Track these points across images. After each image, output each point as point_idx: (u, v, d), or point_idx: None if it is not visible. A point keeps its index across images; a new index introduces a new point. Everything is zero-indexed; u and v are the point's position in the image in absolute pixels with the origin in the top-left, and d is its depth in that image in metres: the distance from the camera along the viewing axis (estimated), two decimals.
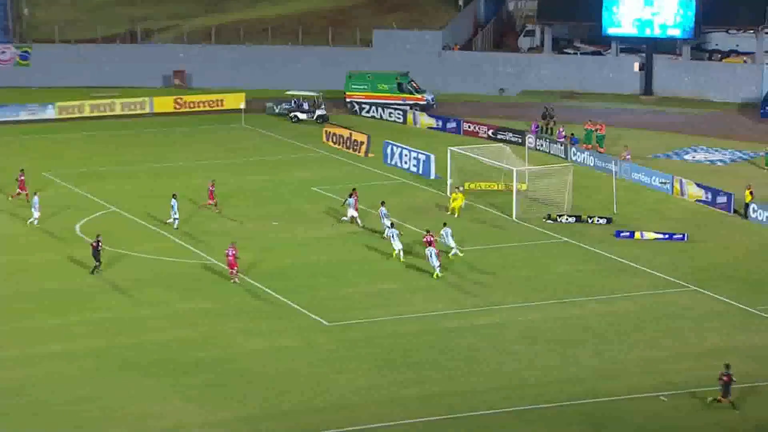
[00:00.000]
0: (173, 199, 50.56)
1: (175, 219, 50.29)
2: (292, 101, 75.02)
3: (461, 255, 46.83)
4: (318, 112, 73.02)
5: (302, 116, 72.63)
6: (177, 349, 37.61)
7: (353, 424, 32.92)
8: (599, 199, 56.43)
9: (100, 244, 44.05)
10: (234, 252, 43.45)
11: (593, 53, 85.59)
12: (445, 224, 47.93)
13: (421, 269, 45.83)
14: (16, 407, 33.11)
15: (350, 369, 36.42)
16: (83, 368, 35.88)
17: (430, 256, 44.39)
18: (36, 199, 50.44)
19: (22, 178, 53.84)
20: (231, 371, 36.08)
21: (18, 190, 53.60)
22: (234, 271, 43.53)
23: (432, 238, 45.69)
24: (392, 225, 47.87)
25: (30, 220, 50.31)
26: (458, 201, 53.47)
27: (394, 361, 37.00)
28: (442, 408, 33.91)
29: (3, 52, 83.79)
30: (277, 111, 76.54)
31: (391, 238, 46.71)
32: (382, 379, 35.70)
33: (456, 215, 52.45)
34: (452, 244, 47.19)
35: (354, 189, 52.51)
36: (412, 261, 46.83)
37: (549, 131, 69.79)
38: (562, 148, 65.41)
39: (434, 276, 44.30)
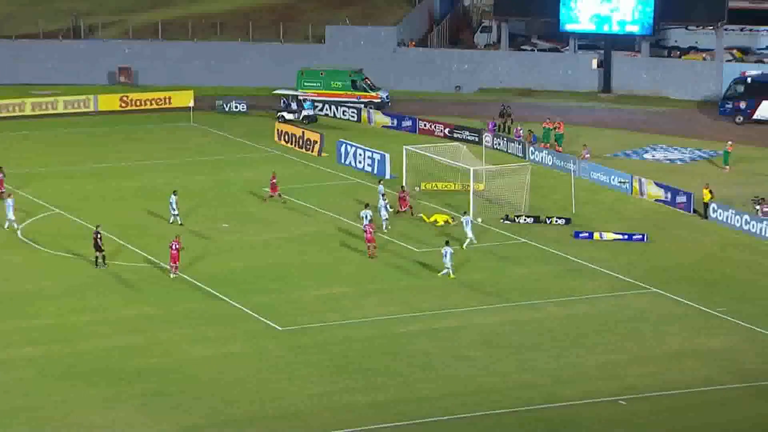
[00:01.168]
0: (173, 196, 50.23)
1: (175, 216, 50.27)
2: (281, 100, 74.14)
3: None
4: (304, 112, 72.35)
5: (289, 116, 71.96)
6: (119, 357, 37.03)
7: None
8: (558, 199, 56.50)
9: (99, 234, 44.23)
10: (178, 246, 43.29)
11: (551, 50, 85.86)
12: (464, 212, 49.05)
13: (375, 272, 45.56)
14: None
15: (301, 376, 36.06)
16: (21, 377, 35.22)
17: (445, 255, 43.76)
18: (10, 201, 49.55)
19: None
20: (176, 379, 35.58)
21: None
22: (175, 266, 43.40)
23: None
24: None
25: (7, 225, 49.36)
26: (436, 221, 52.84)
27: (346, 368, 36.70)
28: (395, 415, 33.65)
29: None
30: (227, 109, 75.92)
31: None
32: (334, 386, 35.38)
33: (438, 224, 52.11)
34: (470, 234, 48.15)
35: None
36: (367, 264, 46.54)
37: (506, 130, 69.82)
38: (520, 147, 65.44)
39: (449, 277, 43.68)
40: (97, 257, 44.94)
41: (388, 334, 39.49)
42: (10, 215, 49.43)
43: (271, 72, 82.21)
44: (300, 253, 47.95)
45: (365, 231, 46.94)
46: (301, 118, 72.12)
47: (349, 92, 77.04)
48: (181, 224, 50.41)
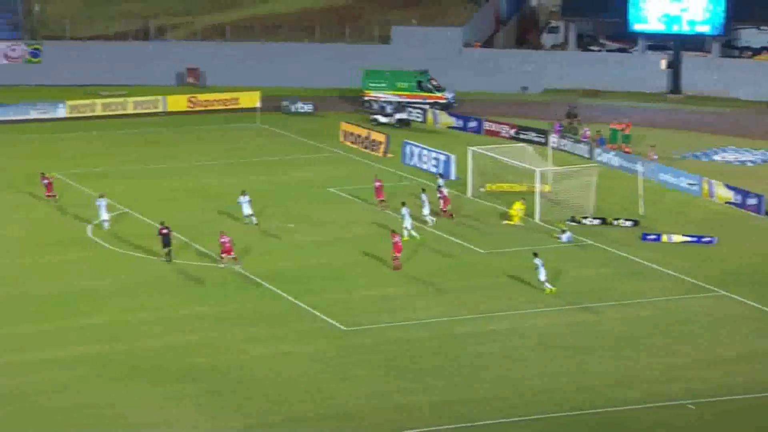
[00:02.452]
0: (243, 197, 50.48)
1: (250, 216, 50.43)
2: (377, 103, 74.05)
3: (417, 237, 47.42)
4: (398, 116, 72.24)
5: (383, 120, 71.92)
6: (177, 356, 37.27)
7: None
8: (624, 200, 55.75)
9: (168, 229, 45.12)
10: (229, 239, 44.40)
11: (618, 50, 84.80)
12: (403, 203, 48.93)
13: (430, 273, 45.34)
14: (12, 414, 32.89)
15: (356, 376, 35.98)
16: (80, 375, 35.61)
17: (538, 267, 43.05)
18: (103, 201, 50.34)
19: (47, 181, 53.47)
20: (233, 378, 35.70)
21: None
22: (226, 257, 44.17)
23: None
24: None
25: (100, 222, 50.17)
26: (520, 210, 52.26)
27: (400, 368, 36.53)
28: (449, 416, 33.43)
29: (13, 50, 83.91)
30: (292, 110, 76.19)
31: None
32: (388, 386, 35.24)
33: (514, 223, 51.63)
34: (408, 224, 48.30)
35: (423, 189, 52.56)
36: (421, 266, 46.33)
37: (573, 131, 69.10)
38: (586, 148, 64.73)
39: (546, 291, 43.04)
40: (168, 252, 45.22)
41: (443, 335, 39.25)
42: (104, 215, 49.93)
43: (336, 73, 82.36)
44: (359, 253, 47.87)
45: (394, 241, 45.29)
46: (395, 121, 71.86)
47: (415, 93, 76.86)
48: (256, 224, 50.43)
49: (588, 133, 66.68)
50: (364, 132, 67.33)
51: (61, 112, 74.84)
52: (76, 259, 46.33)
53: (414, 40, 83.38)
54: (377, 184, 54.26)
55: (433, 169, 61.34)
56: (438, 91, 76.98)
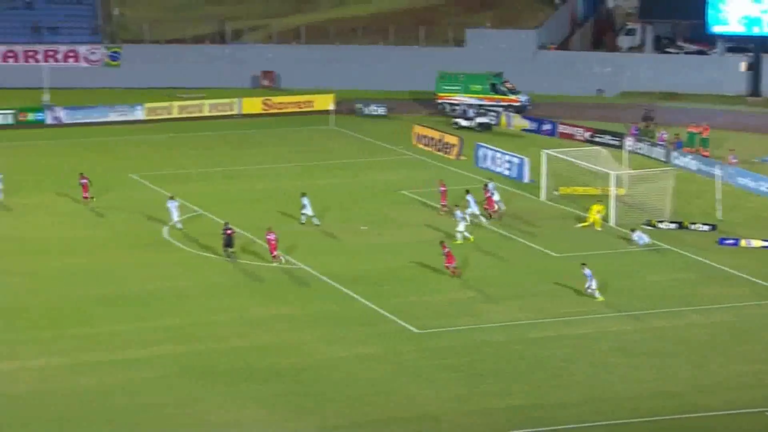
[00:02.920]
0: (304, 198, 51.03)
1: (311, 216, 51.06)
2: (459, 107, 74.09)
3: None
4: (479, 120, 72.34)
5: (464, 123, 72.07)
6: (255, 357, 37.63)
7: None
8: (702, 204, 55.18)
9: (232, 230, 45.95)
10: (275, 236, 45.09)
11: (697, 52, 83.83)
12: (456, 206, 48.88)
13: (509, 276, 45.29)
14: (95, 413, 33.45)
15: (435, 379, 36.06)
16: (161, 375, 36.09)
17: (589, 278, 42.79)
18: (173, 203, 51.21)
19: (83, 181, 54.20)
20: (309, 380, 35.98)
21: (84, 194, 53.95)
22: (277, 254, 44.78)
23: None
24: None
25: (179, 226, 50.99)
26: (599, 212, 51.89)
27: (480, 372, 36.53)
28: (530, 421, 33.36)
29: (93, 53, 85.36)
30: (366, 113, 76.49)
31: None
32: (468, 390, 35.26)
33: (597, 228, 51.40)
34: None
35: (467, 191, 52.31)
36: (495, 269, 46.27)
37: (649, 134, 68.50)
38: (663, 151, 64.13)
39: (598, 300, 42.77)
40: (229, 253, 45.78)
41: (523, 340, 39.17)
42: (175, 217, 50.74)
43: (410, 75, 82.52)
44: (435, 255, 47.90)
45: (445, 252, 44.82)
46: (476, 125, 71.87)
47: (489, 96, 76.72)
48: (317, 225, 51.02)
49: (665, 136, 66.05)
50: (437, 135, 67.37)
51: (139, 114, 75.97)
52: (154, 261, 46.96)
53: (488, 43, 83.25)
54: (442, 189, 54.08)
55: (506, 172, 61.24)
56: (512, 93, 76.74)
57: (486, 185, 54.16)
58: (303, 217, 51.28)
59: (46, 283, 43.92)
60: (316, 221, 51.41)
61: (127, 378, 35.78)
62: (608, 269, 46.44)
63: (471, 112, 72.80)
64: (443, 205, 53.75)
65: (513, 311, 41.79)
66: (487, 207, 52.49)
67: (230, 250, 46.19)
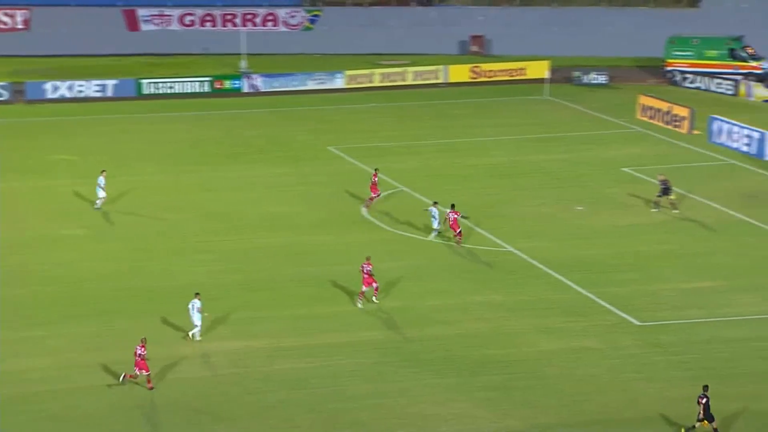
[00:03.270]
0: (101, 176, 50.27)
1: (99, 199, 50.44)
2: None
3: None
4: None
5: None
6: (464, 345, 37.75)
7: None
8: None
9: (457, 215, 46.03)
10: (456, 216, 44.75)
11: None
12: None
13: (752, 264, 43.85)
14: (292, 401, 34.26)
15: (662, 377, 35.32)
16: (363, 362, 36.64)
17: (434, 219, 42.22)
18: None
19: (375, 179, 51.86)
20: (523, 373, 35.84)
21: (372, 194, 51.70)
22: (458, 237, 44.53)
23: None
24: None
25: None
26: None
27: (714, 371, 35.53)
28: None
29: (292, 16, 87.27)
30: (585, 81, 75.62)
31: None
32: (698, 391, 34.18)
33: None
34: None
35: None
36: (734, 257, 44.87)
37: None
38: None
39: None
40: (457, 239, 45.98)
41: (765, 336, 37.90)
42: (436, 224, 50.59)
43: (636, 40, 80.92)
44: (661, 241, 46.92)
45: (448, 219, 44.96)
46: None
47: (726, 62, 74.54)
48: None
49: None
50: (665, 106, 65.92)
51: (339, 82, 77.29)
52: (354, 240, 47.63)
53: (728, 3, 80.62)
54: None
55: (745, 148, 59.33)
56: (754, 60, 74.23)
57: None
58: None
59: (243, 262, 45.17)
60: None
61: (326, 364, 36.48)
62: None
63: None
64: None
65: (753, 304, 40.48)
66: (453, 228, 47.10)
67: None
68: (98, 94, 75.04)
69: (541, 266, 44.21)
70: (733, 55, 74.73)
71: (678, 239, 47.04)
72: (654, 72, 77.75)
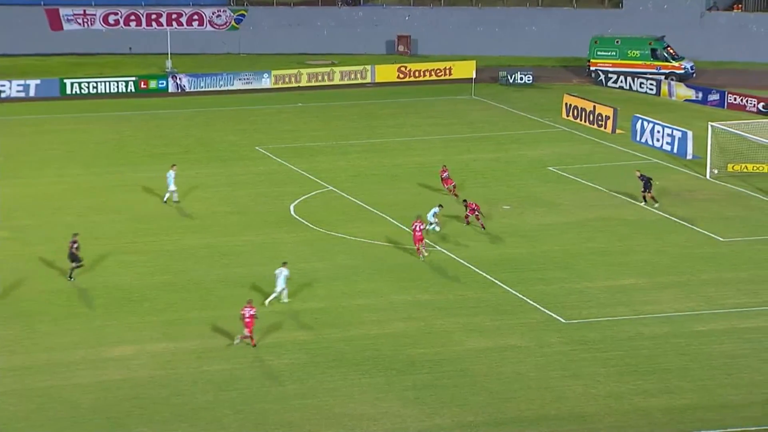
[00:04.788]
0: (171, 170, 51.25)
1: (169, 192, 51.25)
2: None
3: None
4: None
5: None
6: (391, 345, 37.89)
7: None
8: None
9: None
10: (422, 226, 44.52)
11: None
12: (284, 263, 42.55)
13: (672, 262, 44.56)
14: (221, 402, 34.15)
15: (587, 374, 35.75)
16: (292, 362, 36.63)
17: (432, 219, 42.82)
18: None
19: (445, 175, 51.82)
20: (450, 371, 36.06)
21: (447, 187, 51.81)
22: (419, 247, 44.36)
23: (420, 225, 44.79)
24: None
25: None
26: None
27: (637, 367, 36.09)
28: (693, 422, 32.87)
29: (218, 16, 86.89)
30: (511, 81, 76.22)
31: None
32: (623, 387, 34.86)
33: None
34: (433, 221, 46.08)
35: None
36: (656, 255, 45.57)
37: None
38: None
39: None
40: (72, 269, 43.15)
41: (686, 332, 38.55)
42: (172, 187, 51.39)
43: (560, 40, 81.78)
44: (586, 239, 47.49)
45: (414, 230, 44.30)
46: None
47: (648, 62, 75.62)
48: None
49: None
50: (589, 105, 66.68)
51: (266, 82, 77.14)
52: (281, 241, 47.61)
53: (649, 4, 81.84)
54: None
55: (667, 147, 60.22)
56: (675, 60, 75.40)
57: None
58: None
59: (166, 264, 44.93)
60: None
61: (255, 365, 36.41)
62: None
63: None
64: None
65: (674, 301, 41.14)
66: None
67: (74, 265, 42.80)
68: (20, 95, 74.17)
69: (468, 265, 44.50)
70: (655, 55, 75.81)
71: (603, 237, 47.65)
72: (578, 72, 78.64)
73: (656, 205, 50.60)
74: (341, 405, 34.02)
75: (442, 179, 52.75)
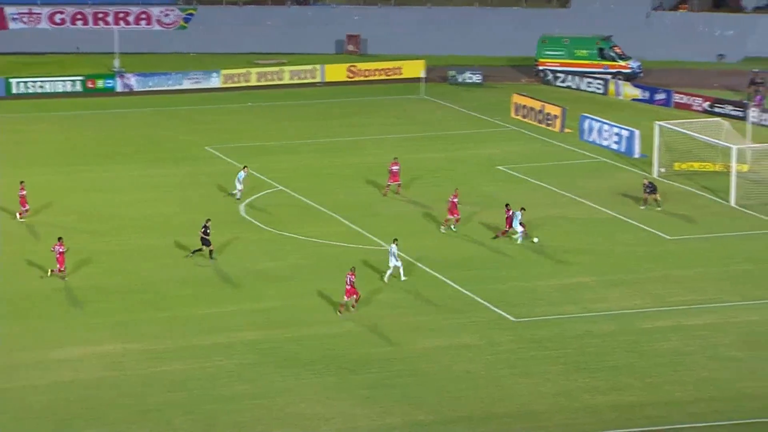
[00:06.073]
0: (242, 171, 51.65)
1: (237, 191, 51.66)
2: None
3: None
4: None
5: None
6: (343, 345, 38.00)
7: None
8: None
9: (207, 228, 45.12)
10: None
11: None
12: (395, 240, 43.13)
13: (620, 261, 45.01)
14: (171, 403, 34.10)
15: (537, 372, 36.06)
16: (243, 363, 36.63)
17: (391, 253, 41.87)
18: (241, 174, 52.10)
19: (395, 168, 52.05)
20: (402, 370, 36.23)
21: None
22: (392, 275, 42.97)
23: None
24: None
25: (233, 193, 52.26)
26: None
27: (586, 365, 36.46)
28: (640, 419, 33.25)
29: (167, 15, 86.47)
30: (460, 81, 76.52)
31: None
32: (572, 384, 35.21)
33: None
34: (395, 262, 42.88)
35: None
36: (603, 253, 46.01)
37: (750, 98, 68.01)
38: None
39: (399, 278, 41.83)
40: (210, 251, 44.76)
41: (634, 330, 38.97)
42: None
43: (510, 40, 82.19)
44: (539, 238, 47.78)
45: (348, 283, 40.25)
46: None
47: (596, 62, 76.23)
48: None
49: (761, 100, 65.45)
50: (538, 105, 67.12)
51: (215, 81, 76.92)
52: (232, 241, 47.56)
53: (596, 4, 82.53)
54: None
55: (615, 146, 60.76)
56: (622, 59, 76.07)
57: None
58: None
59: (121, 264, 44.74)
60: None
61: (205, 365, 36.37)
62: (730, 253, 45.95)
63: None
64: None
65: (622, 299, 41.57)
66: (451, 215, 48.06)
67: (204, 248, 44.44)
68: None
69: (419, 264, 44.69)
70: (602, 55, 76.44)
71: (553, 236, 47.99)
72: (527, 71, 79.12)
73: (659, 209, 50.68)
74: (293, 405, 34.07)
75: (390, 172, 52.65)
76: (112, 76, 76.16)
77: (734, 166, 52.90)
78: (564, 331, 38.99)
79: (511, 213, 46.93)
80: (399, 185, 52.93)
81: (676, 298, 41.63)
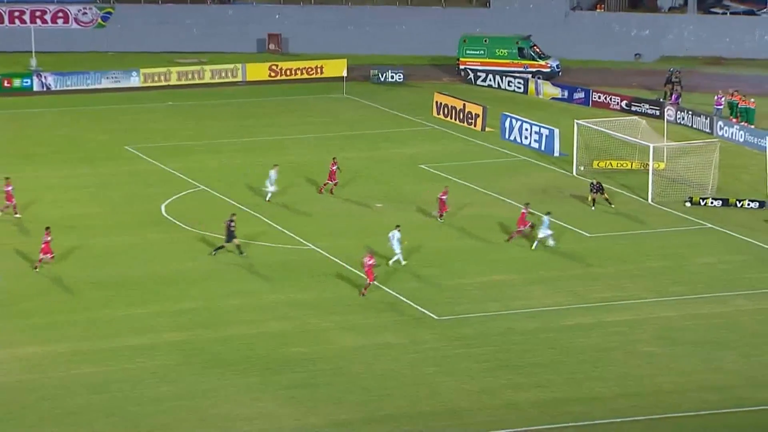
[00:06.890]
0: (273, 170, 51.36)
1: (269, 191, 51.29)
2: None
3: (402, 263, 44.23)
4: None
5: None
6: (267, 345, 37.87)
7: (462, 431, 32.69)
8: (750, 180, 55.21)
9: (232, 223, 45.03)
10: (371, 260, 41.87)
11: (745, 13, 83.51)
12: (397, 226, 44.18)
13: (541, 259, 45.36)
14: (92, 406, 33.69)
15: (460, 369, 36.22)
16: (166, 364, 36.32)
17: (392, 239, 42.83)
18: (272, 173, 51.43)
19: (334, 168, 52.39)
20: (326, 370, 36.19)
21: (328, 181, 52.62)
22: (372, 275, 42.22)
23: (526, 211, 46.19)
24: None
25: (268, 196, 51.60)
26: None
27: (508, 362, 36.70)
28: (563, 415, 33.52)
29: (84, 13, 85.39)
30: (382, 80, 76.60)
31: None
32: (495, 382, 35.42)
33: None
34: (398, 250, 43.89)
35: None
36: (524, 252, 46.35)
37: (665, 96, 69.02)
38: (707, 122, 64.12)
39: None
40: (238, 245, 45.14)
41: (555, 327, 39.30)
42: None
43: (430, 39, 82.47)
44: (460, 236, 48.04)
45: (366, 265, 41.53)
46: None
47: (516, 61, 76.74)
48: (268, 201, 51.17)
49: (677, 99, 66.52)
50: (459, 104, 67.40)
51: (135, 80, 76.12)
52: (154, 241, 47.14)
53: (516, 4, 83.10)
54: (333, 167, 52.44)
55: (535, 145, 61.25)
56: (541, 58, 76.70)
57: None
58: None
59: (41, 266, 44.06)
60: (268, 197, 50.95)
61: (127, 367, 36.02)
62: (648, 250, 46.55)
63: None
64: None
65: (544, 296, 41.90)
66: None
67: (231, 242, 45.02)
68: None
69: (342, 264, 44.64)
70: (522, 54, 76.99)
71: (475, 235, 48.21)
72: (448, 70, 79.41)
73: (612, 206, 51.04)
74: (216, 406, 33.85)
75: (331, 172, 52.46)
76: (29, 75, 75.03)
77: (651, 163, 53.58)
78: (487, 328, 39.20)
79: (526, 213, 46.66)
80: (335, 184, 52.75)
81: (596, 295, 42.08)
